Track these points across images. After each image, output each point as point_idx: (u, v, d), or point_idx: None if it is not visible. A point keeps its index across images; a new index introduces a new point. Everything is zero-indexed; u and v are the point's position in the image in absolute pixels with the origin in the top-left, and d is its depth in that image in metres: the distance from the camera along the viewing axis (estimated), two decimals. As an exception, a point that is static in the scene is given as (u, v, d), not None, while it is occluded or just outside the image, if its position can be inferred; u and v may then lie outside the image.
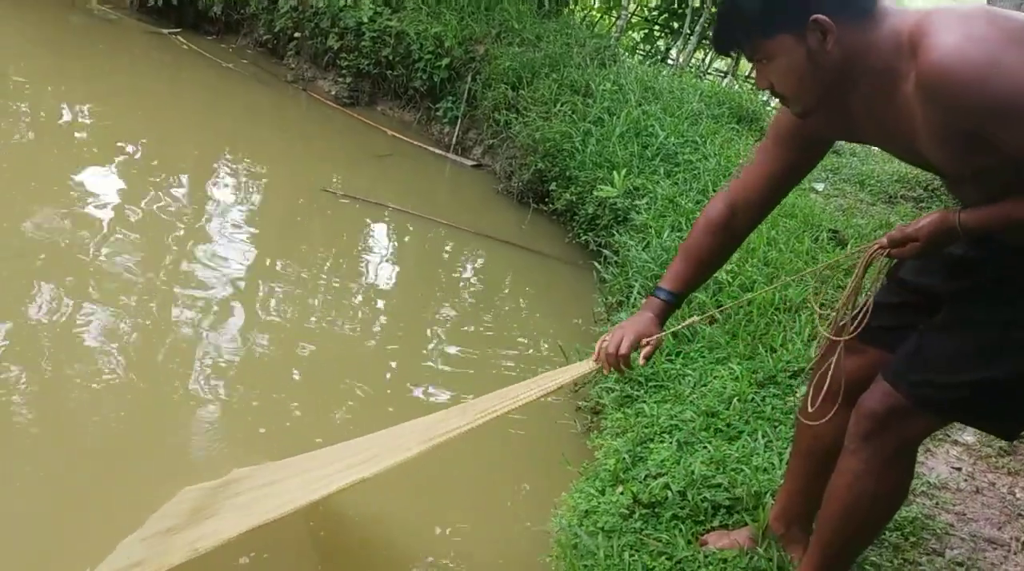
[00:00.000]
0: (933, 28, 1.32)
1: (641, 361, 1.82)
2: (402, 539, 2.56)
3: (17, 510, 2.35)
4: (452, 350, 3.65)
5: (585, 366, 1.90)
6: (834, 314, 1.77)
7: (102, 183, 4.40)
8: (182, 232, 4.12)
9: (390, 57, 6.11)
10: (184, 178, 4.83)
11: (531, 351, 3.76)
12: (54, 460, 2.55)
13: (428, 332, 3.84)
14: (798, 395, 2.65)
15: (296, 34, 6.65)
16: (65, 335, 3.12)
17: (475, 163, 5.80)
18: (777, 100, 1.58)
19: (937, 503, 2.39)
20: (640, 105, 5.02)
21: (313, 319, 3.66)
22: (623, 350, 1.81)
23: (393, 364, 3.50)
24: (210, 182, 4.93)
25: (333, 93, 6.44)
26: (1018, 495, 2.49)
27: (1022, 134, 1.29)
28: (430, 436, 1.93)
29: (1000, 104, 1.28)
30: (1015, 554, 2.25)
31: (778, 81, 1.49)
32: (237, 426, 2.88)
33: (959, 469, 2.57)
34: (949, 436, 2.69)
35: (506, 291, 4.43)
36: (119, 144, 4.99)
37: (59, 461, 2.55)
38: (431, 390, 3.33)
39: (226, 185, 4.94)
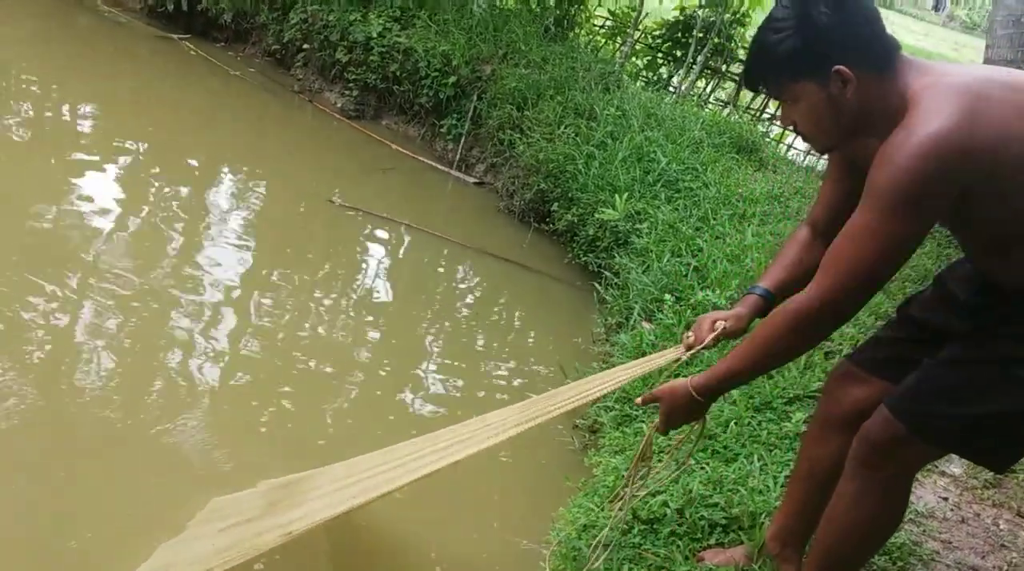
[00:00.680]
0: (924, 105, 1.44)
1: (709, 340, 1.89)
2: (407, 549, 2.62)
3: (18, 515, 2.38)
4: (448, 363, 3.71)
5: (672, 353, 2.01)
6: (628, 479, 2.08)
7: (103, 186, 4.42)
8: (184, 237, 4.16)
9: (397, 73, 6.18)
10: (187, 184, 4.87)
11: (528, 367, 3.82)
12: (53, 465, 2.56)
13: (425, 345, 3.88)
14: (794, 420, 2.73)
15: (305, 45, 6.70)
16: (62, 339, 3.14)
17: (477, 180, 5.86)
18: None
19: (924, 530, 2.46)
20: (643, 131, 5.10)
21: (310, 328, 3.70)
22: (701, 335, 1.92)
23: (390, 375, 3.53)
24: (212, 189, 4.98)
25: (339, 105, 6.49)
26: (1002, 526, 2.57)
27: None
28: (524, 419, 2.03)
29: (879, 192, 1.45)
30: (998, 583, 2.33)
31: (800, 121, 1.60)
32: (237, 429, 2.92)
33: (946, 499, 2.64)
34: (937, 467, 2.77)
35: (504, 308, 4.48)
36: (122, 147, 5.03)
37: (58, 465, 2.57)
38: (427, 402, 3.38)
39: (229, 192, 4.98)
